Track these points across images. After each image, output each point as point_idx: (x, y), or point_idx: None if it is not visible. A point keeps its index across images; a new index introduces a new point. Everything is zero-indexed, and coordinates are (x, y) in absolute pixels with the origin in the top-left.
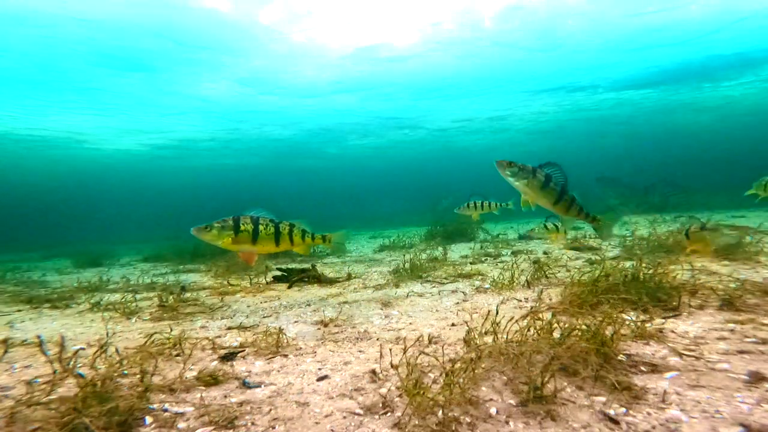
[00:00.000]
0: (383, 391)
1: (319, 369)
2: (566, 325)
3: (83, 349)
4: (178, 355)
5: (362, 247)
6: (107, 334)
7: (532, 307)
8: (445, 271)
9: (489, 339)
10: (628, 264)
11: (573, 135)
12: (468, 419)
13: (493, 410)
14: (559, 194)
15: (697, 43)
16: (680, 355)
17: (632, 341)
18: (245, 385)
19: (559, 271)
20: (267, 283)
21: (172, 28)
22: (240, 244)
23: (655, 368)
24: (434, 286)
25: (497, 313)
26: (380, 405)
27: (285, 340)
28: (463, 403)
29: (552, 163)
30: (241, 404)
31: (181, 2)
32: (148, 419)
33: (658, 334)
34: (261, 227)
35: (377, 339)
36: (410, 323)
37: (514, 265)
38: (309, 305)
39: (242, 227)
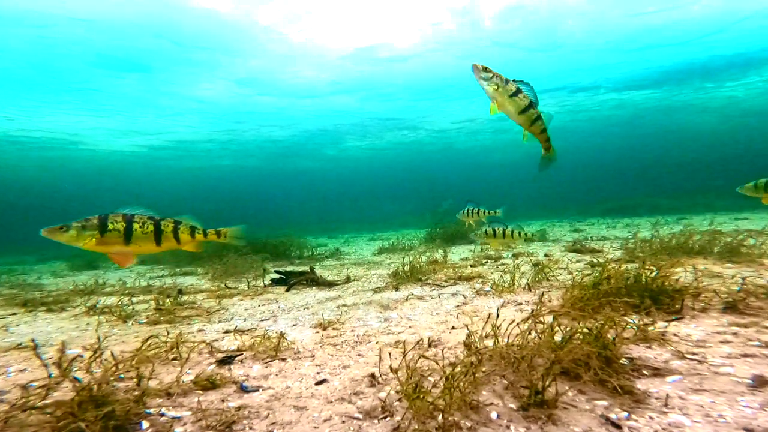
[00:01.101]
0: (382, 395)
1: (318, 373)
2: (568, 329)
3: (81, 356)
4: (175, 358)
5: (361, 250)
6: (101, 337)
7: (533, 310)
8: (445, 274)
9: (490, 342)
10: (630, 266)
11: (575, 136)
12: (468, 423)
13: (493, 414)
14: (526, 106)
15: (700, 43)
16: (683, 358)
17: (634, 345)
18: (243, 389)
19: (560, 274)
20: (265, 286)
21: (169, 28)
22: (108, 245)
23: (657, 372)
24: (434, 289)
25: (498, 316)
26: (379, 409)
27: (283, 344)
28: (464, 408)
29: (525, 83)
30: (238, 408)
31: (179, 2)
32: (145, 424)
33: (661, 337)
34: (136, 225)
35: (376, 342)
36: (410, 326)
37: (515, 268)
38: (307, 308)
39: (111, 226)
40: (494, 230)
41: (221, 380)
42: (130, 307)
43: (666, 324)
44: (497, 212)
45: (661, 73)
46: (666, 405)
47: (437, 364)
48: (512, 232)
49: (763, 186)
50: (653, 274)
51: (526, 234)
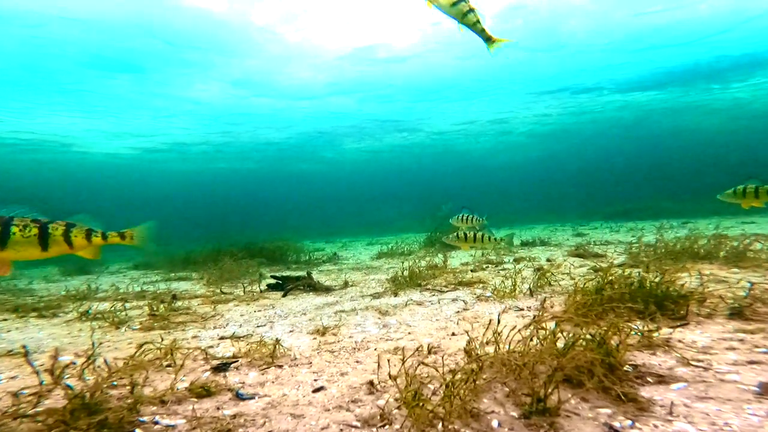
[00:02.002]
0: (381, 402)
1: (315, 380)
2: (570, 335)
3: (73, 363)
4: (169, 365)
5: (359, 254)
6: (94, 344)
7: (534, 316)
8: (445, 279)
9: (490, 349)
10: (634, 271)
11: (577, 138)
12: None
13: (494, 423)
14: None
15: (706, 44)
16: (688, 365)
17: (638, 351)
18: (239, 396)
19: (562, 279)
20: (261, 291)
21: (162, 28)
22: None
23: (662, 379)
24: (434, 295)
25: (499, 322)
26: (378, 417)
27: (280, 351)
28: (464, 416)
29: None
30: (234, 416)
31: (172, 2)
32: None
33: (666, 344)
34: (15, 229)
35: (375, 349)
36: (409, 333)
37: (517, 273)
38: (304, 314)
39: None
40: (465, 234)
41: (216, 387)
42: (124, 313)
43: (671, 330)
44: (484, 220)
45: (666, 74)
46: (671, 413)
47: (437, 371)
48: (482, 236)
49: (742, 192)
50: (658, 279)
51: (495, 239)
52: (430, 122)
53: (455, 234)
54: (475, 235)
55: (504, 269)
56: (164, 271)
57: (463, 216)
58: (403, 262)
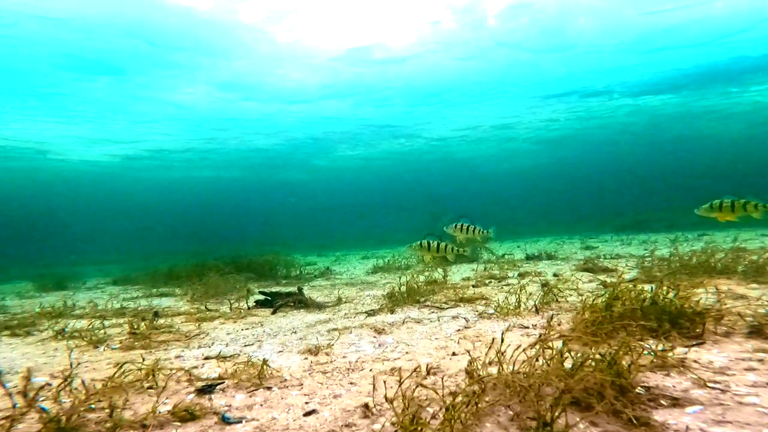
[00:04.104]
0: (377, 427)
1: (306, 403)
2: (579, 355)
3: (49, 384)
4: (150, 387)
5: (353, 269)
6: (71, 364)
7: (540, 335)
8: (445, 295)
9: (494, 370)
10: (646, 287)
11: (586, 144)
12: None
13: None
14: None
15: (723, 44)
16: (704, 387)
17: (651, 372)
18: (224, 420)
19: (570, 295)
20: (249, 308)
21: (144, 28)
22: None
23: (676, 402)
24: (433, 312)
25: (502, 341)
26: None
27: (269, 371)
28: None
29: None
30: None
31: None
32: None
33: (680, 364)
34: None
35: (370, 370)
36: (407, 352)
37: (521, 289)
38: (295, 332)
39: None
40: (429, 243)
41: (201, 411)
42: (102, 332)
43: (686, 350)
44: (489, 232)
45: (681, 76)
46: None
47: (436, 393)
48: (446, 246)
49: (719, 206)
50: (672, 296)
51: (458, 250)
52: (429, 128)
53: (419, 242)
54: (438, 245)
55: (508, 284)
56: (145, 286)
57: (462, 225)
58: (400, 277)
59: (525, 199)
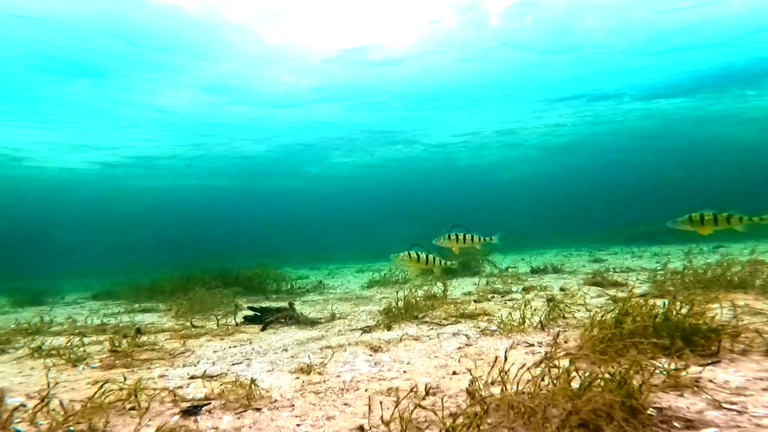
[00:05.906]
0: None
1: (298, 425)
2: (587, 374)
3: (24, 405)
4: (132, 408)
5: (348, 283)
6: (49, 384)
7: (546, 353)
8: (446, 311)
9: (496, 390)
10: (659, 302)
11: (595, 151)
12: None
13: None
14: None
15: (740, 44)
16: (720, 408)
17: (664, 392)
18: None
19: (578, 311)
20: (237, 324)
21: (126, 27)
22: None
23: (690, 424)
24: (432, 328)
25: (506, 359)
26: None
27: (258, 392)
28: None
29: None
30: None
31: None
32: None
33: (694, 384)
34: None
35: (366, 390)
36: (404, 371)
37: (526, 304)
38: (286, 350)
39: None
40: (418, 255)
41: None
42: (81, 349)
43: (700, 369)
44: (493, 239)
45: (695, 78)
46: None
47: (436, 414)
48: (434, 259)
49: (699, 219)
50: (685, 311)
51: (445, 263)
52: (428, 133)
53: (407, 253)
54: (427, 257)
55: (512, 299)
56: (127, 301)
57: (456, 235)
58: (397, 292)
59: (530, 209)
